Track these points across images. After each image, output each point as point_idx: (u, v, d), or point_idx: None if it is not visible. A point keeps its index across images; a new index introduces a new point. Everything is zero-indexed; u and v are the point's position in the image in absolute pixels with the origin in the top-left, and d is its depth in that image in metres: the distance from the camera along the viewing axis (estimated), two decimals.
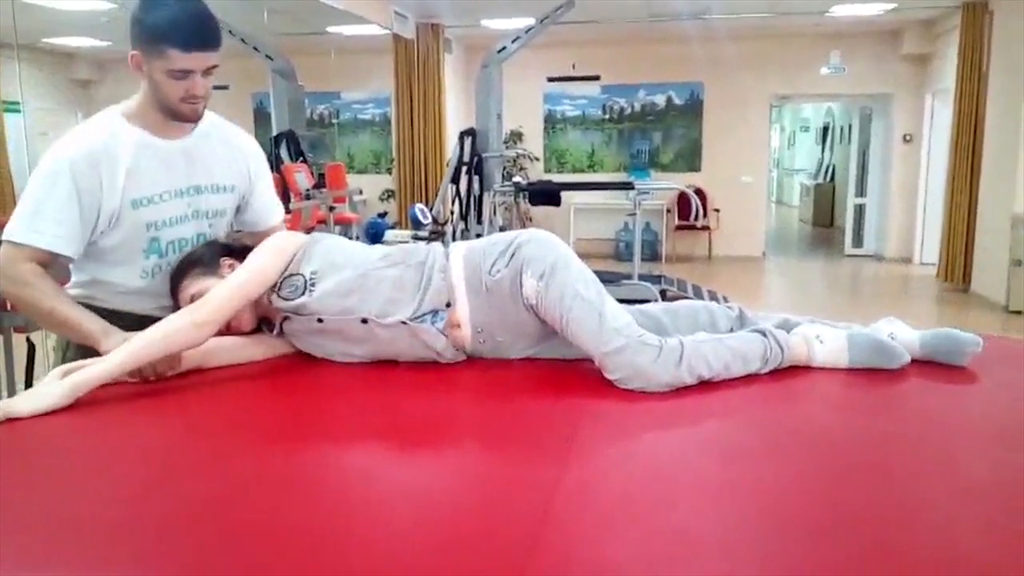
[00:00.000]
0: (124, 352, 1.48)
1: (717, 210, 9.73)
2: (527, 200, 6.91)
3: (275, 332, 1.72)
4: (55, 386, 1.41)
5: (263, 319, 1.74)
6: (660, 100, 9.92)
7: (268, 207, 1.97)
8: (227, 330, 1.64)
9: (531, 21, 6.28)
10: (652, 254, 9.38)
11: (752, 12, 8.10)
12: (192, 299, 1.62)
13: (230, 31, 5.64)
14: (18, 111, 6.30)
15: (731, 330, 1.70)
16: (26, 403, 1.38)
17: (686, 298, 4.78)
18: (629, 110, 10.02)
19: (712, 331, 1.66)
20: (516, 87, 8.09)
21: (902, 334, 1.66)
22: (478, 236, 5.94)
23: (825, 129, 13.67)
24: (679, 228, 9.85)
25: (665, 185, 8.64)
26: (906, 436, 1.33)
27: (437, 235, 5.49)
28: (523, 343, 1.67)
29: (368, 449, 1.31)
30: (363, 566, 0.92)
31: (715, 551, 0.95)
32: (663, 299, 5.19)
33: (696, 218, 9.05)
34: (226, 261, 1.71)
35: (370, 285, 1.63)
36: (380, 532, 1.00)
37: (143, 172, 1.66)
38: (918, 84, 9.19)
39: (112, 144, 1.63)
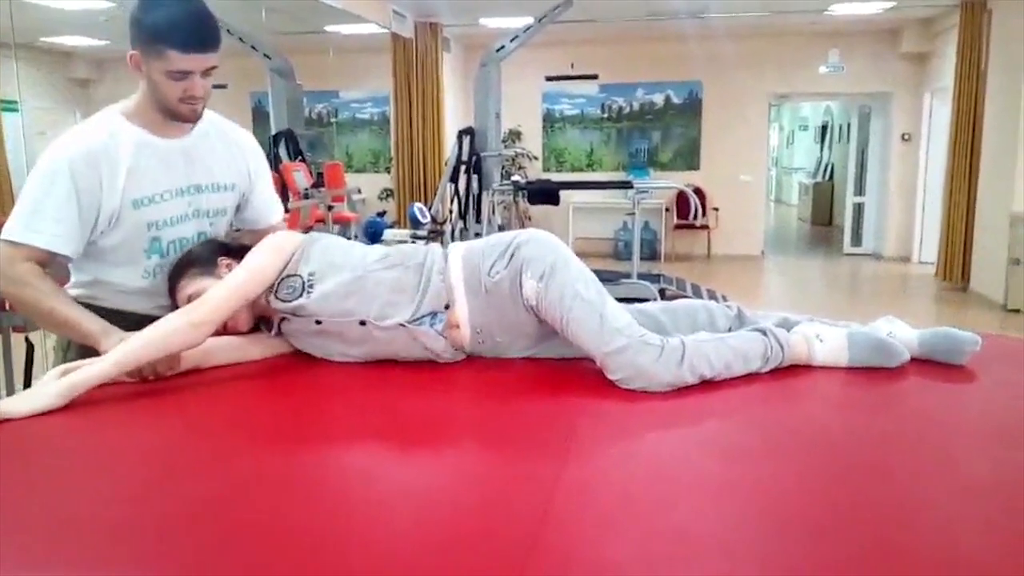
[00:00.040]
0: (121, 352, 1.48)
1: (716, 209, 9.73)
2: (526, 199, 6.90)
3: (273, 332, 1.72)
4: (51, 386, 1.41)
5: (261, 318, 1.74)
6: (659, 99, 9.92)
7: (268, 205, 1.96)
8: (224, 330, 1.63)
9: (530, 20, 6.28)
10: (651, 253, 9.38)
11: (750, 11, 8.10)
12: (189, 299, 1.62)
13: (228, 30, 5.63)
14: (16, 110, 6.29)
15: (730, 329, 1.70)
16: (22, 403, 1.38)
17: (685, 297, 4.78)
18: (628, 109, 10.02)
19: (711, 330, 1.66)
20: (515, 86, 8.08)
21: (901, 333, 1.66)
22: (477, 235, 5.94)
23: (824, 128, 13.67)
24: (678, 227, 9.85)
25: (664, 184, 8.64)
26: (906, 435, 1.33)
27: (436, 234, 5.49)
28: (522, 343, 1.67)
29: (367, 449, 1.31)
30: (363, 566, 0.92)
31: (715, 551, 0.95)
32: (662, 298, 5.19)
33: (695, 217, 9.05)
34: (224, 261, 1.71)
35: (368, 287, 1.62)
36: (380, 532, 1.00)
37: (143, 172, 1.66)
38: (917, 83, 9.20)
39: (112, 144, 1.63)
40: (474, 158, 6.29)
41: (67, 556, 0.95)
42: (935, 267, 8.09)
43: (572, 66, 9.68)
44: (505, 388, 1.57)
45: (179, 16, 1.54)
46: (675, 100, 9.89)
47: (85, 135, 1.63)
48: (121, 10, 5.63)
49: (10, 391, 3.10)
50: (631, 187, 6.60)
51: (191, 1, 1.57)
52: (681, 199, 9.47)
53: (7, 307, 2.90)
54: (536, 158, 10.17)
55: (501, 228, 6.56)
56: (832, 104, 12.88)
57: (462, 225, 6.34)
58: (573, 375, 1.60)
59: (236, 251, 1.73)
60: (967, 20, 7.43)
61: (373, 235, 4.88)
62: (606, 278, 2.15)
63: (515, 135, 10.03)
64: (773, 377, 1.57)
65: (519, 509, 1.05)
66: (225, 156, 1.81)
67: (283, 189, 5.68)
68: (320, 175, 6.81)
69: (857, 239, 10.17)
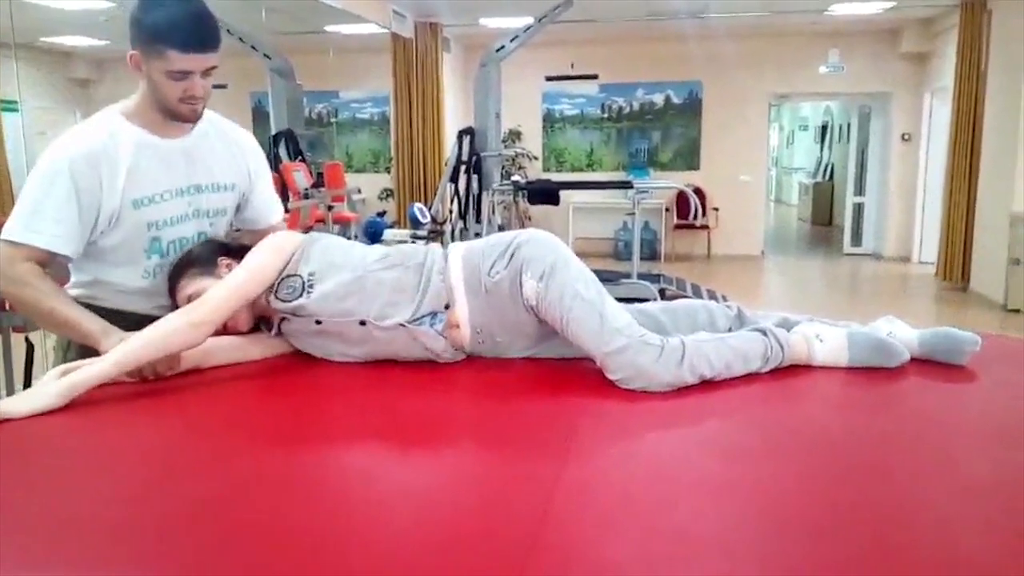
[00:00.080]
0: (121, 352, 1.48)
1: (716, 209, 9.73)
2: (526, 199, 6.90)
3: (273, 332, 1.72)
4: (51, 386, 1.41)
5: (261, 318, 1.74)
6: (659, 99, 9.92)
7: (268, 205, 1.96)
8: (225, 330, 1.63)
9: (530, 20, 6.28)
10: (651, 253, 9.38)
11: (750, 11, 8.10)
12: (189, 299, 1.62)
13: (228, 30, 5.63)
14: (16, 110, 6.29)
15: (730, 329, 1.70)
16: (21, 403, 1.38)
17: (685, 297, 4.78)
18: (628, 109, 10.02)
19: (711, 330, 1.66)
20: (515, 86, 8.08)
21: (901, 333, 1.66)
22: (477, 235, 5.94)
23: (824, 128, 13.67)
24: (678, 227, 9.85)
25: (664, 184, 8.64)
26: (905, 435, 1.33)
27: (436, 234, 5.49)
28: (522, 343, 1.67)
29: (367, 449, 1.31)
30: (363, 566, 0.92)
31: (715, 551, 0.95)
32: (662, 298, 5.19)
33: (695, 217, 9.05)
34: (223, 261, 1.71)
35: (369, 287, 1.62)
36: (380, 532, 1.00)
37: (143, 172, 1.66)
38: (917, 83, 9.20)
39: (111, 144, 1.63)
40: (474, 158, 6.29)
41: (67, 556, 0.95)
42: (935, 267, 8.09)
43: (572, 66, 9.68)
44: (505, 388, 1.57)
45: (179, 16, 1.54)
46: (675, 100, 9.90)
47: (85, 135, 1.63)
48: (121, 10, 5.62)
49: (10, 391, 3.10)
50: (631, 187, 6.60)
51: (191, 1, 1.57)
52: (681, 199, 9.48)
53: (7, 307, 2.90)
54: (536, 158, 10.17)
55: (501, 228, 6.56)
56: (832, 104, 12.88)
57: (462, 225, 6.34)
58: (573, 375, 1.60)
59: (236, 251, 1.73)
60: (967, 20, 7.44)
61: (373, 235, 4.88)
62: (606, 278, 2.15)
63: (515, 135, 10.03)
64: (773, 377, 1.57)
65: (519, 509, 1.05)
66: (225, 156, 1.81)
67: (283, 189, 5.68)
68: (320, 175, 6.81)
69: (857, 239, 10.17)
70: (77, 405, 1.41)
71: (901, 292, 8.12)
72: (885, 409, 1.48)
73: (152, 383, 1.55)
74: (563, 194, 6.98)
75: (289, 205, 5.66)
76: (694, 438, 1.35)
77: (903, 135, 9.38)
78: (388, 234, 5.02)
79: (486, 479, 1.18)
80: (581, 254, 1.71)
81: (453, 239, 6.32)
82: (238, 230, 1.98)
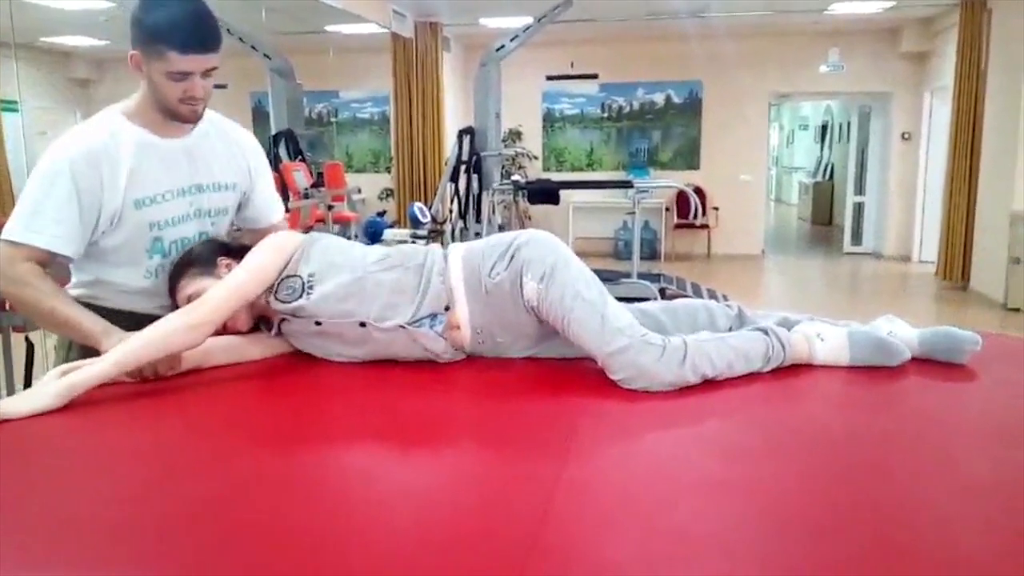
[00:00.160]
0: (120, 353, 1.48)
1: (716, 208, 9.73)
2: (526, 199, 6.90)
3: (273, 332, 1.72)
4: (50, 386, 1.41)
5: (261, 318, 1.74)
6: (659, 98, 9.92)
7: (269, 204, 1.96)
8: (224, 330, 1.63)
9: (529, 20, 6.28)
10: (651, 252, 9.38)
11: (751, 10, 8.10)
12: (189, 299, 1.62)
13: (228, 30, 5.63)
14: (16, 110, 6.29)
15: (730, 329, 1.70)
16: (21, 403, 1.38)
17: (685, 296, 4.78)
18: (628, 108, 10.02)
19: (712, 330, 1.66)
20: (515, 86, 8.08)
21: (901, 332, 1.66)
22: (477, 235, 5.94)
23: (824, 127, 13.67)
24: (678, 226, 9.85)
25: (664, 183, 8.64)
26: (906, 434, 1.33)
27: (436, 234, 5.49)
28: (523, 343, 1.67)
29: (367, 449, 1.31)
30: (363, 566, 0.92)
31: (715, 550, 0.95)
32: (662, 297, 5.19)
33: (695, 216, 9.05)
34: (223, 261, 1.71)
35: (368, 288, 1.62)
36: (380, 532, 1.00)
37: (145, 172, 1.66)
38: (917, 82, 9.20)
39: (112, 144, 1.63)
40: (474, 158, 6.29)
41: (67, 556, 0.95)
42: (935, 266, 8.09)
43: (572, 65, 9.68)
44: (505, 388, 1.57)
45: (179, 17, 1.54)
46: (675, 99, 9.89)
47: (86, 135, 1.63)
48: (121, 10, 5.63)
49: (10, 391, 3.10)
50: (631, 186, 6.61)
51: (192, 1, 1.57)
52: (681, 198, 9.48)
53: (7, 307, 2.90)
54: (536, 158, 10.17)
55: (501, 228, 6.56)
56: (832, 103, 12.88)
57: (462, 225, 6.34)
58: (573, 375, 1.60)
59: (236, 251, 1.73)
60: (967, 19, 7.43)
61: (373, 235, 4.88)
62: (606, 278, 2.15)
63: (515, 135, 10.03)
64: (774, 376, 1.57)
65: (519, 509, 1.05)
66: (226, 155, 1.81)
67: (283, 189, 5.68)
68: (320, 175, 6.81)
69: (857, 238, 10.17)
70: (77, 405, 1.41)
71: (901, 291, 8.12)
72: (886, 408, 1.48)
73: (152, 383, 1.55)
74: (563, 194, 6.98)
75: (289, 205, 5.66)
76: (695, 438, 1.35)
77: (903, 134, 9.37)
78: (388, 234, 5.02)
79: (486, 479, 1.18)
80: (581, 254, 1.71)
81: (453, 239, 6.32)
82: (238, 229, 1.98)
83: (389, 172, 9.86)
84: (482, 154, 6.31)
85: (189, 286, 1.67)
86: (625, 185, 7.25)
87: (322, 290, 1.62)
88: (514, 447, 1.29)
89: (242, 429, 1.41)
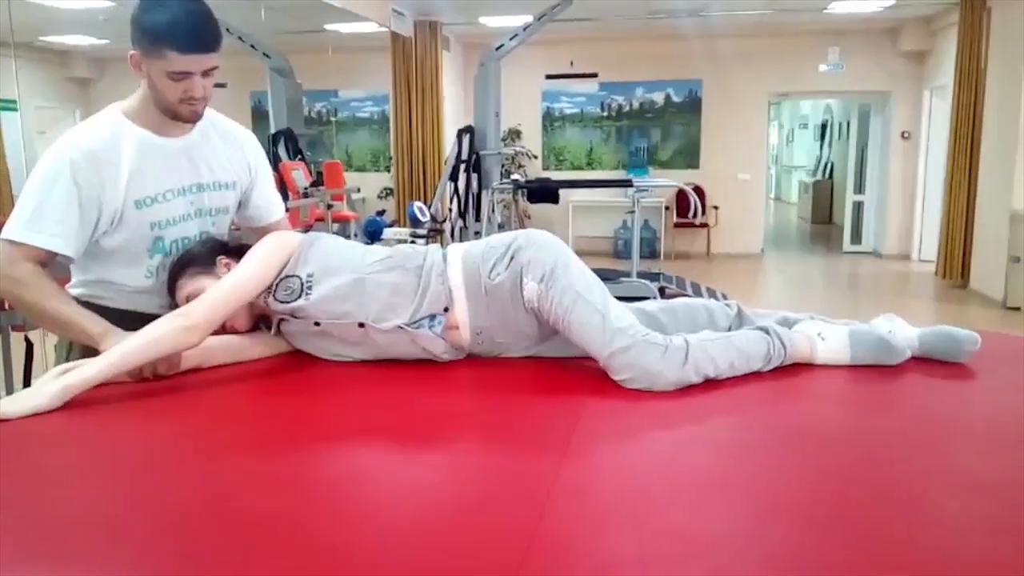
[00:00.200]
0: (118, 354, 1.47)
1: (716, 207, 9.73)
2: (525, 198, 6.90)
3: (272, 331, 1.72)
4: (47, 387, 1.41)
5: (261, 317, 1.74)
6: (658, 97, 9.91)
7: (269, 202, 1.96)
8: (223, 330, 1.63)
9: (529, 18, 6.28)
10: (651, 251, 9.38)
11: (750, 9, 8.09)
12: (188, 298, 1.62)
13: (227, 29, 5.61)
14: (15, 109, 6.28)
15: (729, 328, 1.70)
16: (16, 404, 1.38)
17: (685, 295, 4.78)
18: (627, 107, 10.01)
19: (712, 330, 1.66)
20: (514, 85, 8.08)
21: (901, 331, 1.66)
22: (477, 234, 5.95)
23: (824, 126, 13.66)
24: (678, 225, 9.85)
25: (664, 182, 8.64)
26: (906, 433, 1.33)
27: (436, 233, 5.49)
28: (523, 344, 1.67)
29: (366, 447, 1.31)
30: (361, 564, 0.92)
31: (715, 549, 0.95)
32: (662, 296, 5.19)
33: (695, 215, 9.04)
34: (223, 260, 1.71)
35: (368, 290, 1.62)
36: (377, 529, 1.00)
37: (146, 172, 1.66)
38: (916, 81, 9.20)
39: (113, 144, 1.63)
40: (474, 157, 6.29)
41: (66, 555, 0.95)
42: (935, 265, 8.09)
43: (572, 64, 9.68)
44: (504, 386, 1.57)
45: (179, 16, 1.54)
46: (675, 99, 9.89)
47: (87, 135, 1.63)
48: (121, 9, 5.62)
49: (9, 390, 3.10)
50: (631, 185, 6.60)
51: (192, 1, 1.57)
52: (681, 197, 9.48)
53: (7, 307, 2.90)
54: (536, 157, 10.16)
55: (501, 227, 6.56)
56: (832, 102, 12.88)
57: (462, 224, 6.34)
58: (573, 373, 1.60)
59: (235, 250, 1.73)
60: (966, 18, 7.43)
61: (373, 234, 4.88)
62: (606, 277, 2.15)
63: (515, 134, 10.02)
64: (775, 375, 1.57)
65: (517, 506, 1.05)
66: (226, 154, 1.81)
67: (282, 188, 5.68)
68: (319, 174, 6.80)
69: (857, 237, 10.17)
70: (76, 405, 1.41)
71: (901, 290, 8.12)
72: (886, 407, 1.49)
73: (152, 383, 1.55)
74: (563, 193, 6.98)
75: (288, 204, 5.65)
76: (694, 436, 1.35)
77: (903, 133, 9.37)
78: (388, 233, 5.02)
79: (485, 477, 1.18)
80: (581, 253, 1.71)
81: (453, 238, 6.32)
82: (238, 228, 1.98)
83: (388, 171, 9.85)
84: (482, 153, 6.31)
85: (188, 285, 1.67)
86: (625, 184, 7.24)
87: (321, 291, 1.62)
88: (513, 445, 1.29)
89: (241, 428, 1.41)
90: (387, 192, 9.84)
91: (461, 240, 6.16)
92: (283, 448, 1.29)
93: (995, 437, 1.31)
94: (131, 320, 1.61)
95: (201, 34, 1.56)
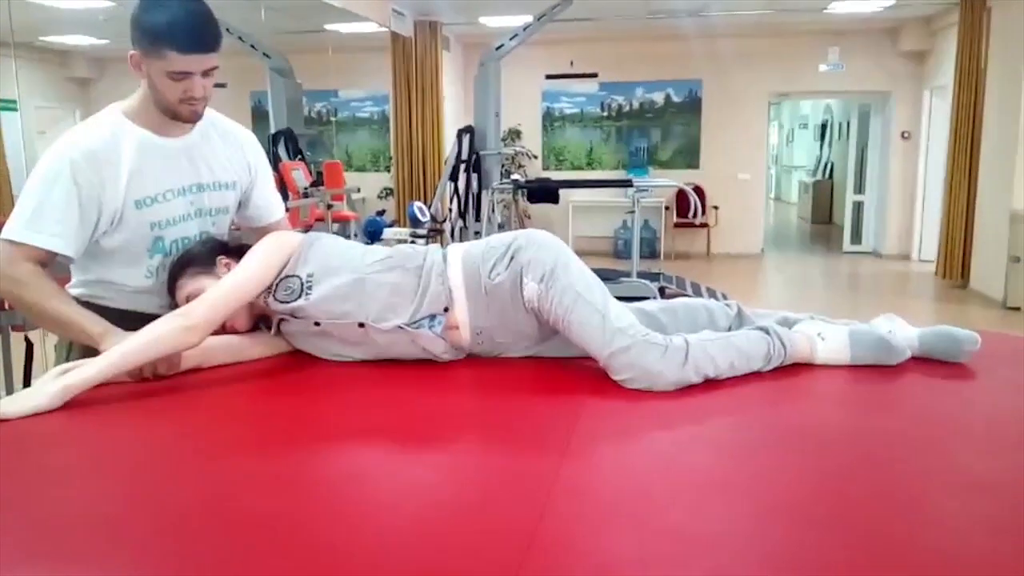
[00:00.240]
0: (117, 354, 1.47)
1: (716, 207, 9.73)
2: (525, 198, 6.90)
3: (273, 331, 1.72)
4: (47, 387, 1.41)
5: (261, 317, 1.74)
6: (658, 97, 9.92)
7: (269, 202, 1.96)
8: (223, 330, 1.63)
9: (529, 18, 6.27)
10: (651, 251, 9.38)
11: (750, 9, 8.10)
12: (188, 298, 1.62)
13: (227, 29, 5.61)
14: (15, 109, 6.28)
15: (729, 328, 1.70)
16: (16, 404, 1.38)
17: (684, 295, 4.78)
18: (627, 107, 10.01)
19: (712, 330, 1.66)
20: (514, 85, 8.08)
21: (901, 331, 1.66)
22: (477, 234, 5.95)
23: (824, 126, 13.66)
24: (678, 225, 9.85)
25: (664, 182, 8.64)
26: (906, 433, 1.33)
27: (436, 233, 5.49)
28: (523, 344, 1.67)
29: (366, 447, 1.31)
30: (360, 565, 0.92)
31: (715, 549, 0.95)
32: (662, 296, 5.19)
33: (695, 215, 9.04)
34: (222, 260, 1.71)
35: (368, 290, 1.62)
36: (377, 529, 1.00)
37: (146, 172, 1.66)
38: (916, 81, 9.20)
39: (113, 144, 1.62)
40: (474, 157, 6.29)
41: (65, 554, 0.95)
42: (935, 265, 8.09)
43: (572, 64, 9.68)
44: (504, 386, 1.57)
45: (180, 16, 1.54)
46: (675, 98, 9.89)
47: (87, 135, 1.63)
48: (121, 9, 5.62)
49: (9, 390, 3.10)
50: (631, 185, 6.60)
51: (192, 1, 1.57)
52: (681, 197, 9.48)
53: (7, 306, 2.90)
54: (536, 157, 10.16)
55: (500, 227, 6.56)
56: (832, 102, 12.88)
57: (462, 224, 6.34)
58: (573, 373, 1.60)
59: (235, 250, 1.73)
60: (966, 18, 7.43)
61: (373, 234, 4.88)
62: (606, 277, 2.15)
63: (515, 133, 10.02)
64: (775, 375, 1.57)
65: (517, 506, 1.05)
66: (226, 153, 1.81)
67: (282, 188, 5.67)
68: (319, 174, 6.80)
69: (857, 237, 10.17)
70: (75, 405, 1.41)
71: (901, 290, 8.12)
72: (886, 407, 1.49)
73: (152, 383, 1.55)
74: (563, 193, 6.98)
75: (288, 204, 5.65)
76: (694, 436, 1.35)
77: (903, 133, 9.37)
78: (388, 233, 5.02)
79: (485, 476, 1.18)
80: (581, 253, 1.71)
81: (453, 238, 6.32)
82: (238, 228, 1.98)
83: (388, 171, 9.85)
84: (482, 153, 6.31)
85: (188, 285, 1.67)
86: (625, 184, 7.24)
87: (321, 291, 1.62)
88: (513, 445, 1.29)
89: (241, 428, 1.41)
90: (387, 192, 9.84)
91: (461, 240, 6.16)
92: (283, 448, 1.29)
93: (995, 437, 1.31)
94: (131, 320, 1.61)
95: (201, 34, 1.56)
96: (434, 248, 1.72)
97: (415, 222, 5.25)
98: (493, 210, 6.32)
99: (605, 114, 10.08)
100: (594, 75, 9.84)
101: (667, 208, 9.72)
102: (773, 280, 9.05)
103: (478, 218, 6.26)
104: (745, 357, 1.55)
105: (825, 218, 13.06)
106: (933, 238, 8.40)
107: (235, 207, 1.87)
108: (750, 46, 9.28)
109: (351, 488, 1.15)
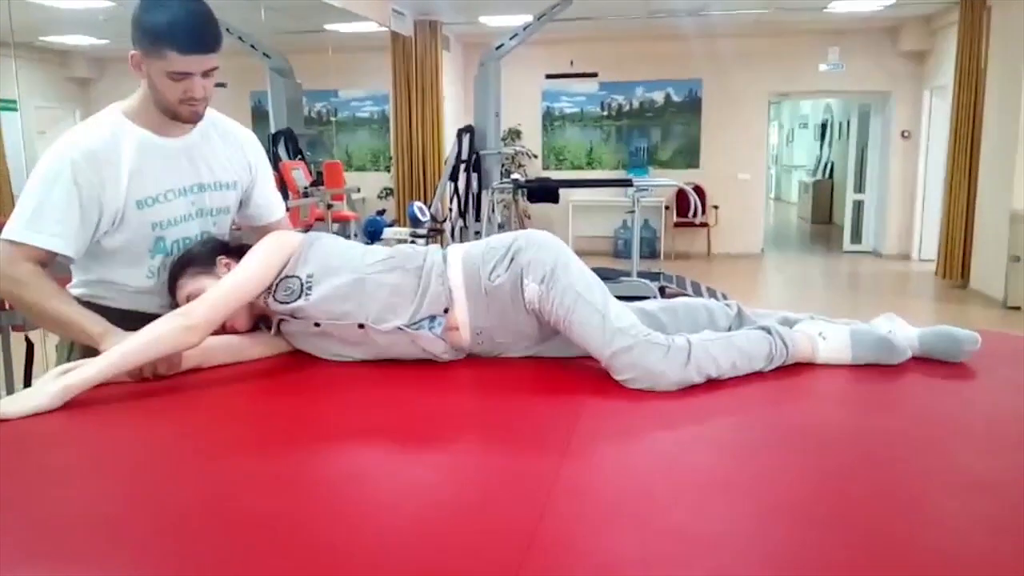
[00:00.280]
0: (117, 354, 1.47)
1: (716, 207, 9.73)
2: (525, 197, 6.90)
3: (273, 331, 1.71)
4: (47, 387, 1.41)
5: (261, 317, 1.74)
6: (659, 97, 9.92)
7: (269, 201, 1.96)
8: (223, 330, 1.63)
9: (529, 18, 6.27)
10: (651, 251, 9.38)
11: (750, 9, 8.09)
12: (188, 298, 1.62)
13: (227, 29, 5.60)
14: (15, 109, 6.28)
15: (730, 328, 1.70)
16: (16, 404, 1.38)
17: (685, 295, 4.78)
18: (627, 107, 10.01)
19: (712, 330, 1.66)
20: (514, 84, 8.07)
21: (901, 331, 1.66)
22: (477, 234, 5.95)
23: (824, 126, 13.66)
24: (678, 225, 9.85)
25: (664, 182, 8.63)
26: (907, 433, 1.33)
27: (436, 232, 5.49)
28: (523, 344, 1.67)
29: (366, 447, 1.31)
30: (360, 565, 0.92)
31: (715, 549, 0.95)
32: (662, 296, 5.19)
33: (695, 215, 9.05)
34: (223, 260, 1.71)
35: (368, 290, 1.62)
36: (377, 529, 1.00)
37: (147, 172, 1.66)
38: (916, 81, 9.19)
39: (114, 144, 1.62)
40: (474, 156, 6.28)
41: (65, 554, 0.95)
42: (935, 265, 8.09)
43: (572, 64, 9.68)
44: (505, 386, 1.57)
45: (180, 17, 1.54)
46: (675, 98, 9.89)
47: (87, 135, 1.63)
48: (121, 9, 5.62)
49: (10, 390, 3.10)
50: (631, 185, 6.59)
51: (192, 1, 1.57)
52: (681, 197, 9.48)
53: (7, 306, 2.90)
54: (536, 156, 10.16)
55: (501, 227, 6.56)
56: (832, 102, 12.87)
57: (462, 223, 6.34)
58: (573, 373, 1.60)
59: (235, 250, 1.73)
60: (966, 17, 7.43)
61: (373, 234, 4.88)
62: (606, 276, 2.15)
63: (515, 133, 10.02)
64: (776, 375, 1.57)
65: (517, 506, 1.05)
66: (226, 153, 1.81)
67: (282, 187, 5.67)
68: (319, 174, 6.80)
69: (857, 237, 10.17)
70: (75, 405, 1.41)
71: (901, 290, 8.12)
72: (887, 407, 1.49)
73: (152, 383, 1.55)
74: (563, 192, 6.97)
75: (288, 203, 5.64)
76: (696, 436, 1.35)
77: (903, 133, 9.37)
78: (388, 233, 5.02)
79: (485, 477, 1.18)
80: (581, 252, 1.71)
81: (453, 238, 6.32)
82: (239, 228, 1.98)
83: (388, 171, 9.85)
84: (482, 153, 6.30)
85: (188, 285, 1.66)
86: (625, 184, 7.23)
87: (321, 291, 1.62)
88: (513, 445, 1.29)
89: (241, 428, 1.41)
90: (387, 192, 9.84)
91: (461, 240, 6.17)
92: (283, 448, 1.29)
93: (995, 437, 1.31)
94: (132, 320, 1.61)
95: (201, 34, 1.56)
96: (434, 249, 1.72)
97: (415, 222, 5.25)
98: (493, 210, 6.32)
99: (605, 114, 10.08)
100: (594, 75, 9.84)
101: (667, 208, 9.72)
102: (773, 280, 9.05)
103: (478, 218, 6.26)
104: (747, 357, 1.55)
105: (825, 218, 13.06)
106: (933, 238, 8.40)
107: (236, 207, 1.87)
108: (750, 46, 9.28)
109: (351, 488, 1.15)
